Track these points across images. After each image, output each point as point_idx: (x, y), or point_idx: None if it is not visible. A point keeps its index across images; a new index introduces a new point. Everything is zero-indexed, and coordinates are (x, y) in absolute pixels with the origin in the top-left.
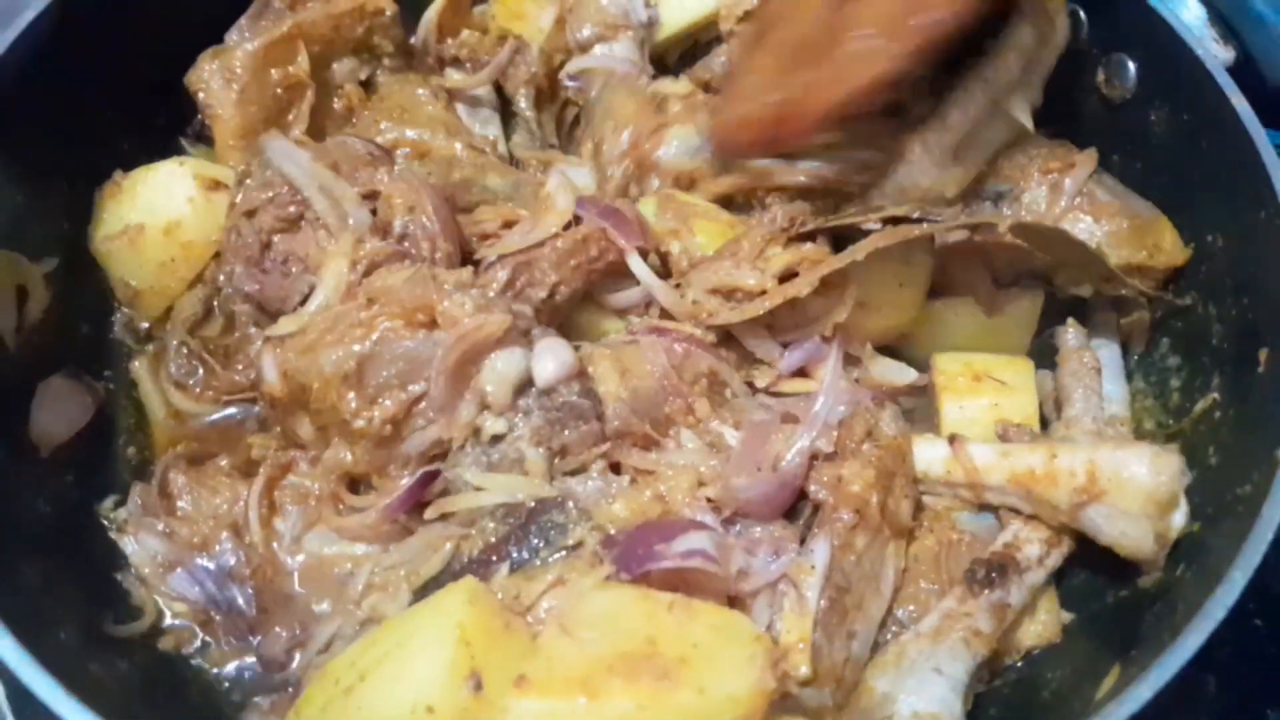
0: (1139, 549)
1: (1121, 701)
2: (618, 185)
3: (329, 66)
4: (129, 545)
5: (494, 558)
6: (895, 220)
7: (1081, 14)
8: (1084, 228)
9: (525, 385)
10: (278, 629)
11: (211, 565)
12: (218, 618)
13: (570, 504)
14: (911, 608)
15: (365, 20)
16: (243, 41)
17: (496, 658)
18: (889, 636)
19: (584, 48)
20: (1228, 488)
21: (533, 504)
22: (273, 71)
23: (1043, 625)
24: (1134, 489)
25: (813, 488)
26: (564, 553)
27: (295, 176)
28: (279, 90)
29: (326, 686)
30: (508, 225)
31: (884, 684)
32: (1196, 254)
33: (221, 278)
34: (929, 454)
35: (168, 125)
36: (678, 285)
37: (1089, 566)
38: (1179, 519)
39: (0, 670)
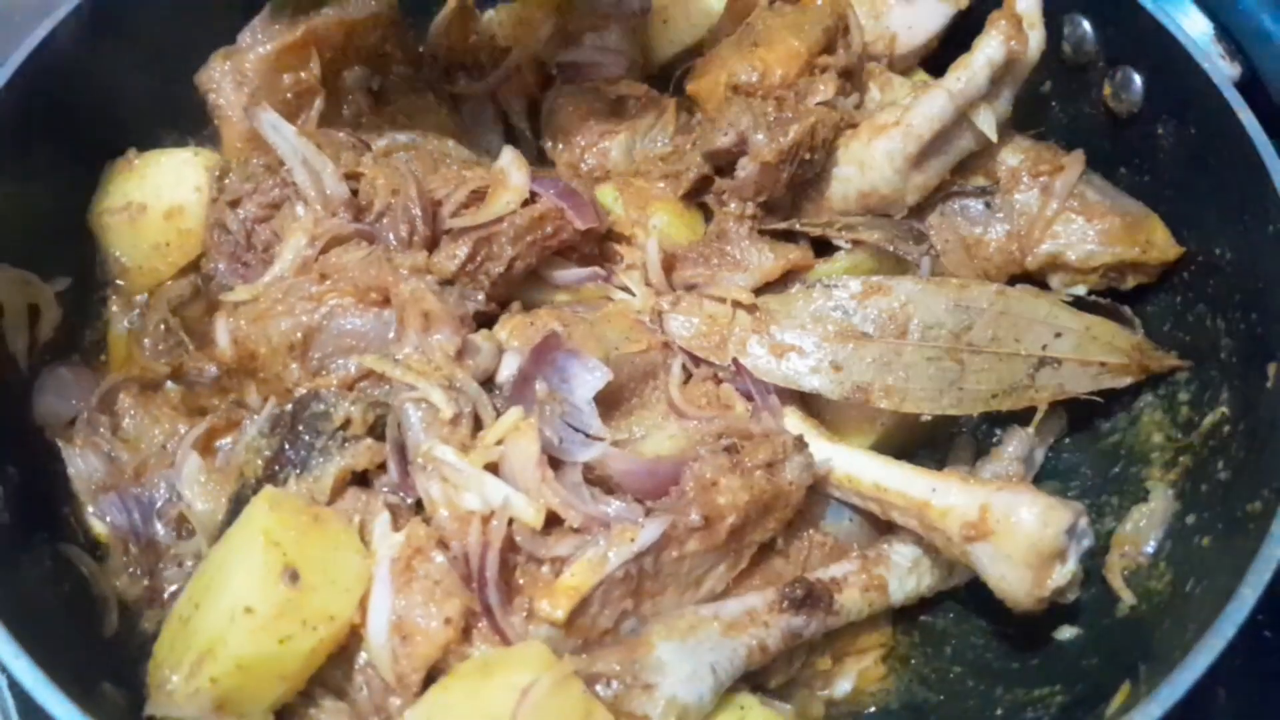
0: (1014, 595)
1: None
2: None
3: (339, 73)
4: (73, 459)
5: (277, 469)
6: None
7: (1088, 27)
8: (1076, 228)
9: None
10: (169, 566)
11: (144, 498)
12: (134, 549)
13: (324, 390)
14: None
15: (379, 29)
16: (255, 44)
17: (311, 549)
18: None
19: (575, 36)
20: (1238, 504)
21: (290, 407)
22: (284, 76)
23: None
24: (1020, 535)
25: (686, 475)
26: (340, 440)
27: (280, 146)
28: (289, 95)
29: (172, 623)
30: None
31: (666, 652)
32: (1205, 267)
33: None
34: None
35: (178, 143)
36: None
37: (1101, 580)
38: (1061, 575)
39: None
